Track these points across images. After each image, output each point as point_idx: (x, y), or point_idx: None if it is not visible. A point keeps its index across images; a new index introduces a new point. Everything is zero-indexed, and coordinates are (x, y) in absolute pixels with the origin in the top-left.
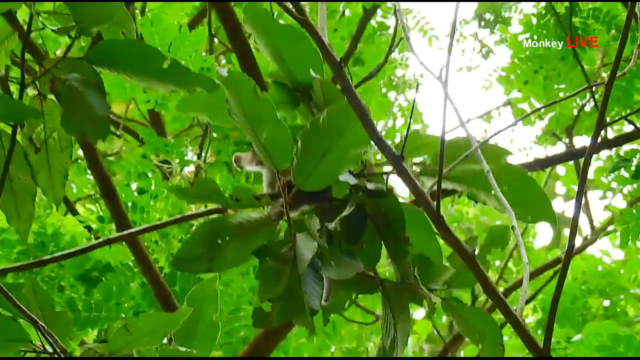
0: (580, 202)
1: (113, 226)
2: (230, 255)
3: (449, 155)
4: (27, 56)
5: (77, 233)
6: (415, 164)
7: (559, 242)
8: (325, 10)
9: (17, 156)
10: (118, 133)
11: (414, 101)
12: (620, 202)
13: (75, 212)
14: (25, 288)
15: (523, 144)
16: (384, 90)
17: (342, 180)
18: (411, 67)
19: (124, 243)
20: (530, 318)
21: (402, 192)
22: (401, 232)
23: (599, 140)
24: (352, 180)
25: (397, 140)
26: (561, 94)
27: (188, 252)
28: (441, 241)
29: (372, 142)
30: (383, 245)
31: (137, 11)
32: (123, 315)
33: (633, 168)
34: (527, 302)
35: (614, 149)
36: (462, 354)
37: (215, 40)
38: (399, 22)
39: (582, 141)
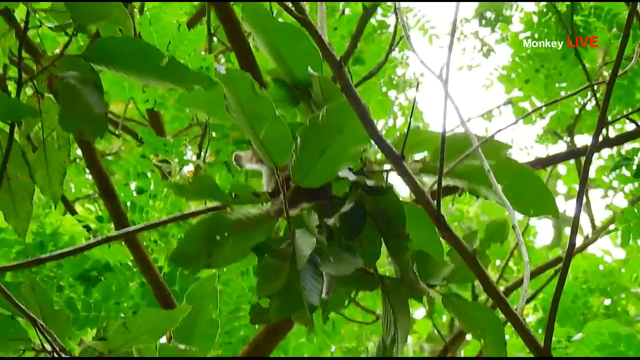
0: (581, 201)
1: (112, 226)
2: (228, 251)
3: (449, 151)
4: (25, 54)
5: (75, 233)
6: (415, 161)
7: (560, 241)
8: (325, 9)
9: (15, 154)
10: (117, 132)
11: (415, 100)
12: (621, 201)
13: (74, 212)
14: (24, 287)
15: (524, 143)
16: (384, 89)
17: (342, 177)
18: (412, 66)
19: (123, 243)
20: (531, 317)
21: (402, 190)
22: (401, 229)
23: (600, 139)
24: (352, 177)
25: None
26: (562, 93)
27: (186, 247)
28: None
29: (372, 141)
30: (383, 243)
31: (136, 10)
32: (122, 315)
33: (634, 167)
34: (527, 301)
35: (615, 148)
36: (462, 354)
37: (215, 39)
38: (399, 20)
39: (583, 140)
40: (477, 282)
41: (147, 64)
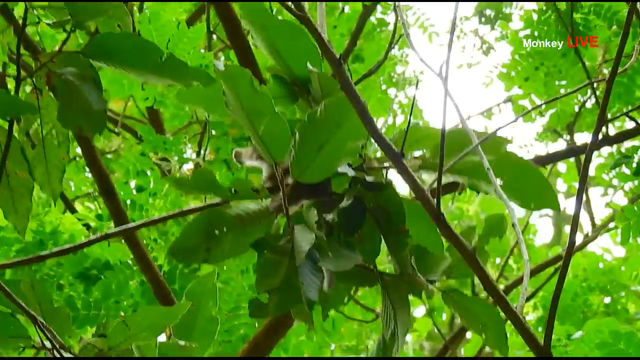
0: (581, 199)
1: (112, 224)
2: (227, 246)
3: (449, 147)
4: (24, 52)
5: (75, 231)
6: (414, 157)
7: (560, 239)
8: (324, 7)
9: (14, 151)
10: (116, 130)
11: (414, 98)
12: (621, 199)
13: (73, 210)
14: (23, 284)
15: (524, 141)
16: (383, 87)
17: (341, 172)
18: (411, 64)
19: (123, 241)
20: (531, 315)
21: (402, 188)
22: (401, 226)
23: (600, 136)
24: (351, 172)
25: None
26: (562, 91)
27: (185, 242)
28: None
29: (372, 140)
30: (382, 240)
31: (135, 8)
32: (122, 314)
33: (634, 165)
34: (527, 300)
35: (615, 146)
36: (462, 352)
37: (214, 37)
38: (399, 18)
39: (583, 138)
40: (477, 281)
41: (146, 60)
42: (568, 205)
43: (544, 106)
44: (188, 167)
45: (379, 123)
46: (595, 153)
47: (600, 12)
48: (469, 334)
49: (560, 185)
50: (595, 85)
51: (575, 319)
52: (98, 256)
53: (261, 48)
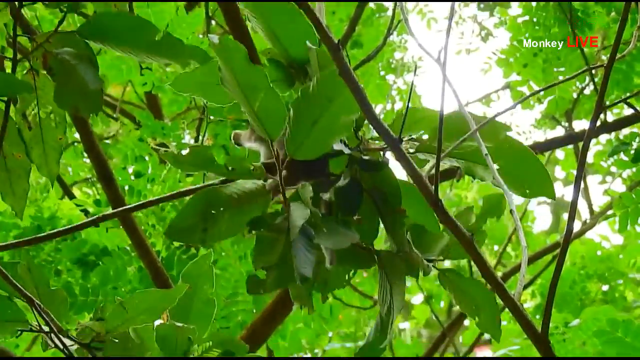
0: (579, 186)
1: (110, 210)
2: (224, 226)
3: (446, 130)
4: (21, 35)
5: (73, 217)
6: (412, 139)
7: (558, 226)
8: None
9: (11, 133)
10: (115, 116)
11: (413, 84)
12: (619, 186)
13: (71, 196)
14: (20, 267)
15: (522, 128)
16: (382, 73)
17: (336, 149)
18: (410, 50)
19: (121, 227)
20: (529, 303)
21: (399, 174)
22: (398, 206)
23: (598, 123)
24: (346, 150)
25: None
26: (560, 77)
27: (182, 222)
28: None
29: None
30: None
31: None
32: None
33: (632, 152)
34: (525, 287)
35: (613, 133)
36: (460, 340)
37: (213, 22)
38: (398, 4)
39: (581, 125)
40: (475, 268)
41: (142, 39)
42: (566, 192)
43: (542, 93)
44: (186, 152)
45: (378, 109)
46: (594, 140)
47: None
48: (467, 322)
49: (559, 173)
50: (593, 71)
51: (573, 306)
52: (96, 242)
53: (259, 31)
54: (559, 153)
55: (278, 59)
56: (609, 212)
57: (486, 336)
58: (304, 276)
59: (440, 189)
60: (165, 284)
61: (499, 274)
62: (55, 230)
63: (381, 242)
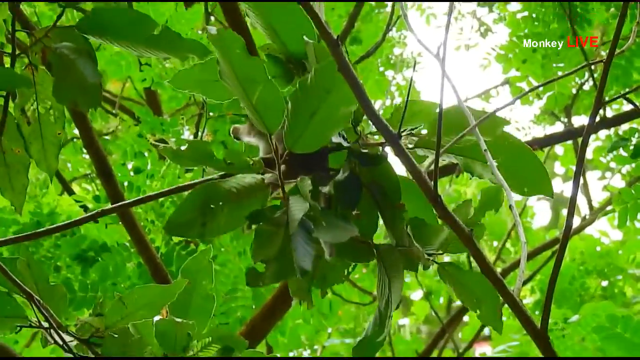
0: (578, 182)
1: (109, 206)
2: (223, 220)
3: (445, 125)
4: (19, 29)
5: (73, 213)
6: (411, 134)
7: (558, 222)
8: None
9: (10, 128)
10: (114, 112)
11: (412, 80)
12: (619, 182)
13: (71, 192)
14: (19, 263)
15: (521, 124)
16: (381, 69)
17: (335, 142)
18: (409, 46)
19: (120, 223)
20: (528, 299)
21: (398, 170)
22: (397, 201)
23: (598, 119)
24: (345, 143)
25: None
26: (560, 73)
27: (180, 216)
28: None
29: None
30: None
31: None
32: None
33: (632, 147)
34: (525, 283)
35: (612, 129)
36: (460, 335)
37: (212, 18)
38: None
39: (580, 121)
40: (474, 264)
41: (141, 34)
42: (566, 188)
43: (541, 88)
44: (185, 147)
45: (377, 105)
46: (593, 136)
47: None
48: (466, 317)
49: (558, 168)
50: (593, 67)
51: (572, 302)
52: (95, 238)
53: (257, 27)
54: (558, 149)
55: (277, 54)
56: (609, 208)
57: (485, 332)
58: (304, 269)
59: (439, 184)
60: (165, 280)
61: (498, 269)
62: (54, 226)
63: (380, 237)
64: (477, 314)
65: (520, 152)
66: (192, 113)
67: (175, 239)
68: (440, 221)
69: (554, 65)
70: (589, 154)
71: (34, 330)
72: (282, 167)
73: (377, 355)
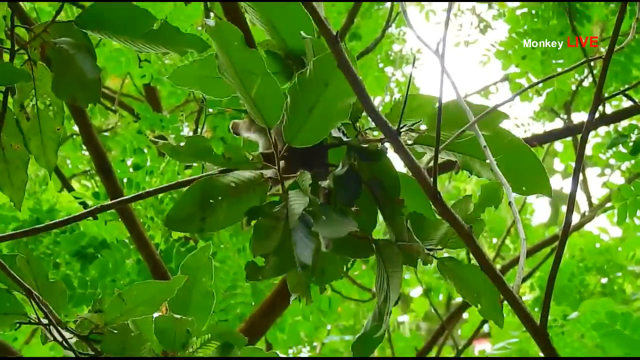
0: (577, 179)
1: (108, 202)
2: (222, 215)
3: (444, 120)
4: (19, 27)
5: (72, 209)
6: (410, 130)
7: (557, 219)
8: None
9: (9, 124)
10: (113, 108)
11: (411, 76)
12: (618, 179)
13: (70, 189)
14: (18, 259)
15: (521, 120)
16: (381, 65)
17: (335, 137)
18: (408, 42)
19: (119, 219)
20: (528, 296)
21: (397, 167)
22: (396, 197)
23: (597, 115)
24: (344, 137)
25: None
26: (559, 69)
27: (180, 211)
28: None
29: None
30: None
31: None
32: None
33: (631, 144)
34: (524, 280)
35: (612, 125)
36: (459, 332)
37: (211, 14)
38: None
39: (580, 117)
40: (474, 261)
41: (140, 28)
42: (565, 184)
43: (541, 85)
44: (183, 143)
45: (376, 101)
46: (592, 132)
47: None
48: (465, 315)
49: (557, 165)
50: (592, 63)
51: (572, 299)
52: (95, 235)
53: (256, 23)
54: (558, 145)
55: (276, 50)
56: (608, 205)
57: (485, 329)
58: (304, 263)
59: (439, 181)
60: (164, 277)
61: (498, 266)
62: (53, 222)
63: (380, 234)
64: (477, 308)
65: (519, 151)
66: (191, 109)
67: (175, 236)
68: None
69: (554, 61)
70: (588, 151)
71: (33, 327)
72: (282, 162)
73: (376, 352)
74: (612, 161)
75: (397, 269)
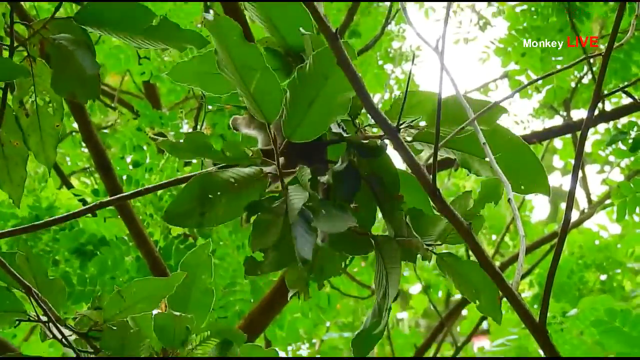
0: (576, 176)
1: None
2: (221, 210)
3: (444, 116)
4: (17, 21)
5: (71, 206)
6: (410, 126)
7: (556, 216)
8: None
9: (8, 120)
10: (113, 105)
11: (411, 73)
12: (617, 176)
13: (70, 186)
14: (18, 256)
15: (520, 117)
16: (380, 62)
17: (334, 132)
18: (408, 39)
19: (119, 217)
20: (527, 292)
21: (397, 163)
22: (396, 193)
23: (597, 112)
24: (344, 133)
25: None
26: (559, 67)
27: (179, 206)
28: None
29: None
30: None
31: None
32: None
33: (630, 141)
34: (523, 277)
35: (611, 122)
36: (458, 329)
37: (211, 11)
38: None
39: (579, 114)
40: (473, 257)
41: (139, 24)
42: (565, 181)
43: (540, 82)
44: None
45: (376, 98)
46: (592, 129)
47: None
48: (464, 311)
49: (557, 162)
50: (591, 60)
51: (571, 296)
52: (94, 232)
53: (256, 20)
54: (557, 142)
55: (275, 47)
56: (607, 202)
57: (484, 326)
58: (304, 258)
59: (438, 178)
60: (163, 274)
61: (497, 263)
62: (52, 218)
63: (379, 231)
64: (476, 304)
65: (518, 149)
66: (191, 107)
67: (174, 233)
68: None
69: (553, 59)
70: (587, 148)
71: (32, 324)
72: (281, 158)
73: (375, 349)
74: (611, 158)
75: (396, 265)
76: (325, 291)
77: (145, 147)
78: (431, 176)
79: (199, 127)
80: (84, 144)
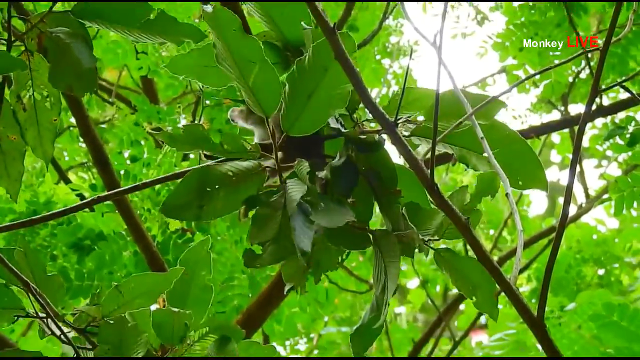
0: (574, 170)
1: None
2: (219, 203)
3: (442, 111)
4: (13, 13)
5: (69, 201)
6: (407, 121)
7: (554, 210)
8: None
9: (6, 114)
10: (110, 100)
11: (408, 68)
12: (615, 170)
13: (67, 180)
14: (16, 252)
15: (518, 112)
16: (378, 57)
17: (332, 127)
18: (406, 34)
19: (116, 211)
20: (525, 287)
21: (395, 158)
22: (393, 188)
23: (594, 107)
24: (342, 129)
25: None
26: (556, 61)
27: (177, 199)
28: None
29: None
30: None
31: None
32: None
33: (628, 135)
34: (521, 271)
35: (609, 117)
36: (456, 324)
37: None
38: None
39: (577, 109)
40: (471, 253)
41: (136, 18)
42: (562, 176)
43: (538, 76)
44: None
45: (373, 93)
46: (589, 124)
47: None
48: (462, 306)
49: (554, 157)
50: (589, 55)
51: (569, 290)
52: (92, 227)
53: (254, 14)
54: (555, 137)
55: (274, 41)
56: (605, 196)
57: (482, 320)
58: (304, 250)
59: (435, 173)
60: (161, 269)
61: (495, 258)
62: (50, 213)
63: (377, 225)
64: (473, 301)
65: (515, 145)
66: (188, 101)
67: (172, 228)
68: None
69: (551, 53)
70: (585, 142)
71: (30, 319)
72: (279, 152)
73: (374, 343)
74: (609, 153)
75: (395, 259)
76: (324, 286)
77: (142, 142)
78: (429, 171)
79: (196, 121)
80: (81, 139)
